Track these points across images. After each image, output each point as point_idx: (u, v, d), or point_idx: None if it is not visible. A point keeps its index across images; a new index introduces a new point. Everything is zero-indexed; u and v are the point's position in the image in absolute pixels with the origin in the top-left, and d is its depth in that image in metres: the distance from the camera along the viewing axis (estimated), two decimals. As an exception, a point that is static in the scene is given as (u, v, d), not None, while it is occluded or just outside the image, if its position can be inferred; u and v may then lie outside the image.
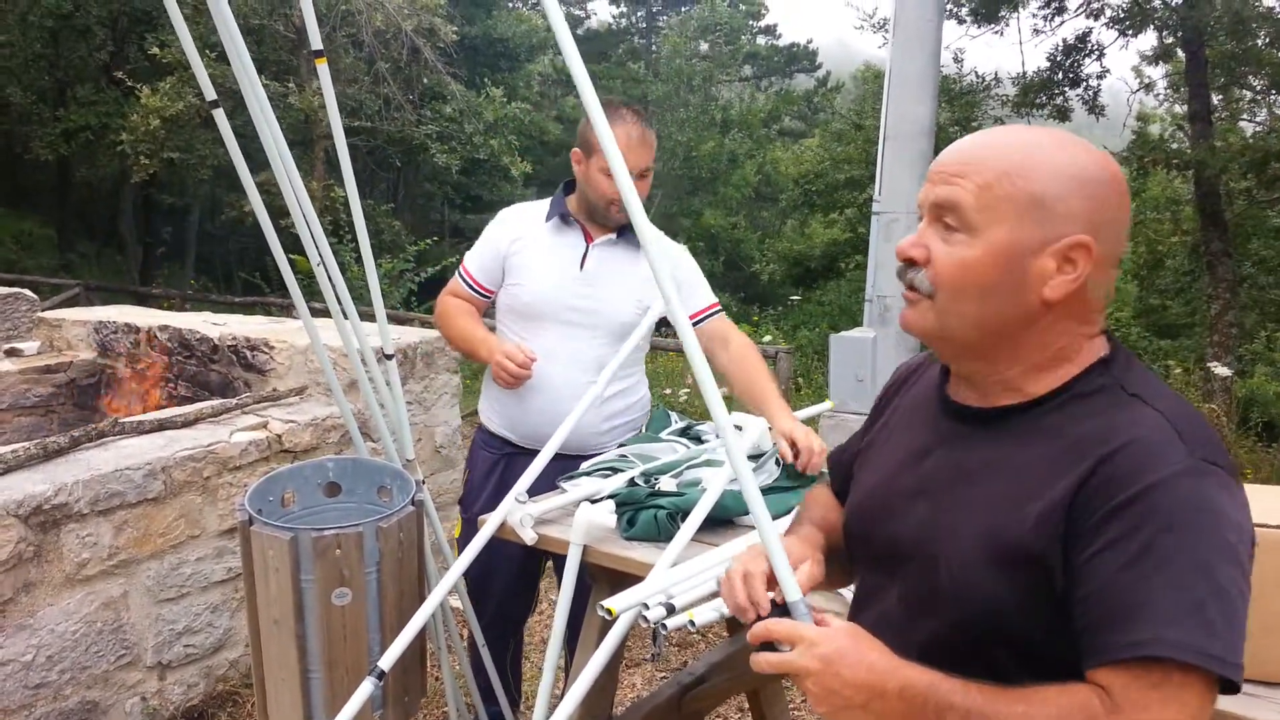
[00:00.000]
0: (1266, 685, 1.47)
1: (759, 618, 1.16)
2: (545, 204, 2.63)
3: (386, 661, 1.90)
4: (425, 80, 15.31)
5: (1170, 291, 16.43)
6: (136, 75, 13.76)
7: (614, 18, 32.41)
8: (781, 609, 1.15)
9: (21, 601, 2.71)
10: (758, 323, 12.57)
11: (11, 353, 4.43)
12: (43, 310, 4.91)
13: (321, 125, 12.70)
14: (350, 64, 14.37)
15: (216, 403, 3.51)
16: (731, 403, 2.55)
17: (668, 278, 1.23)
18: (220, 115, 2.02)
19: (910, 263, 1.13)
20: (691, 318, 2.57)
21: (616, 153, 1.26)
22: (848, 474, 1.39)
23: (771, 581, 1.19)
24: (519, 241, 2.57)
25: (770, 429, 2.28)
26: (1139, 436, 1.01)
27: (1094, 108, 11.94)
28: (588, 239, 2.56)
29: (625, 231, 2.56)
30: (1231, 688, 0.96)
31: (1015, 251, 1.06)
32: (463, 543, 2.57)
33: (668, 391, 7.31)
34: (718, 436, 2.51)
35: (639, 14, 32.06)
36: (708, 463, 2.25)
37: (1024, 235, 1.06)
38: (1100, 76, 12.14)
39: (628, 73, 25.46)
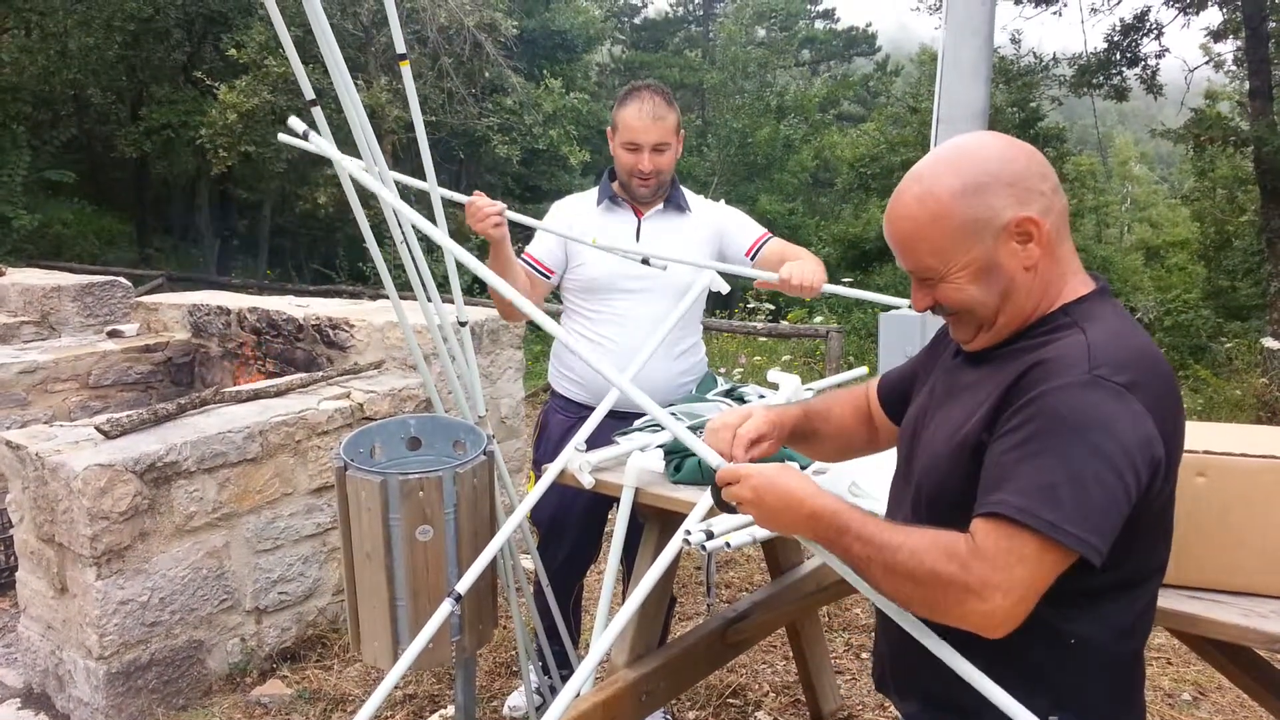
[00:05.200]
0: (1233, 594, 1.67)
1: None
2: (594, 192, 2.89)
3: (463, 586, 2.16)
4: (487, 74, 15.67)
5: (1239, 272, 16.12)
6: (213, 74, 14.32)
7: (670, 6, 32.55)
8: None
9: (138, 548, 3.05)
10: (809, 304, 12.67)
11: (114, 334, 4.82)
12: (136, 297, 5.30)
13: (389, 120, 13.10)
14: (415, 60, 14.76)
15: (305, 375, 3.84)
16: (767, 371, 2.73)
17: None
18: (318, 113, 2.29)
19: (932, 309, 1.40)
20: (754, 246, 2.83)
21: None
22: (893, 389, 1.68)
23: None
24: (576, 229, 2.80)
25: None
26: (1054, 355, 1.26)
27: (1152, 87, 11.85)
28: (637, 214, 2.82)
29: (669, 201, 2.82)
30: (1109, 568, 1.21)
31: (985, 260, 1.31)
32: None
33: (722, 371, 7.53)
34: (761, 398, 2.74)
35: (695, 1, 32.15)
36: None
37: (980, 247, 1.30)
38: (1159, 55, 12.03)
39: (685, 61, 25.58)
